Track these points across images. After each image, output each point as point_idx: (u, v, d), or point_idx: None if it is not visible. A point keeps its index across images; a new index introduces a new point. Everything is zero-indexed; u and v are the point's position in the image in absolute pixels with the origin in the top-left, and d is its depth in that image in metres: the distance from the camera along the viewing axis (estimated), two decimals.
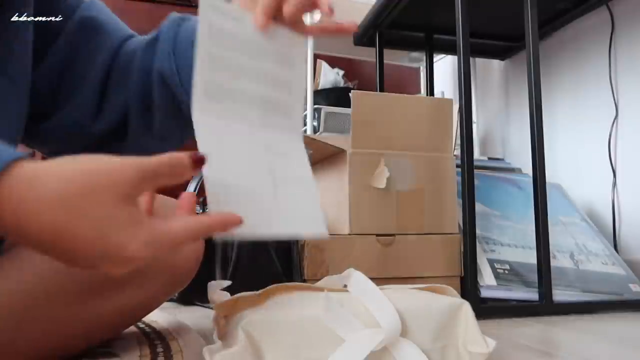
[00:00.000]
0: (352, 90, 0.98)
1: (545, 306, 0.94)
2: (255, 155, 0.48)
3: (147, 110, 0.60)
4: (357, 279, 0.53)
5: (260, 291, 0.53)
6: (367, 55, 1.84)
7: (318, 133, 1.61)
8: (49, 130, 0.59)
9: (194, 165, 0.38)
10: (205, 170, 0.41)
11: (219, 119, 0.47)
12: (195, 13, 0.49)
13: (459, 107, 0.98)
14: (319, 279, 0.64)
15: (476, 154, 1.74)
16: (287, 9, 0.51)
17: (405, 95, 1.04)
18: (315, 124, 1.63)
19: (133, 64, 0.60)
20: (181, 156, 0.37)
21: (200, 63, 0.47)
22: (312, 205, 0.50)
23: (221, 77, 0.48)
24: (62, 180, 0.33)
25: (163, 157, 0.37)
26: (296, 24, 0.54)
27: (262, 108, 0.51)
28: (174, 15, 0.61)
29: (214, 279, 0.99)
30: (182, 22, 0.59)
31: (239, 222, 0.39)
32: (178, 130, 0.64)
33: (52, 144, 0.62)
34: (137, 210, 0.35)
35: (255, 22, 0.51)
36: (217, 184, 0.43)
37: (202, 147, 0.44)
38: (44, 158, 0.41)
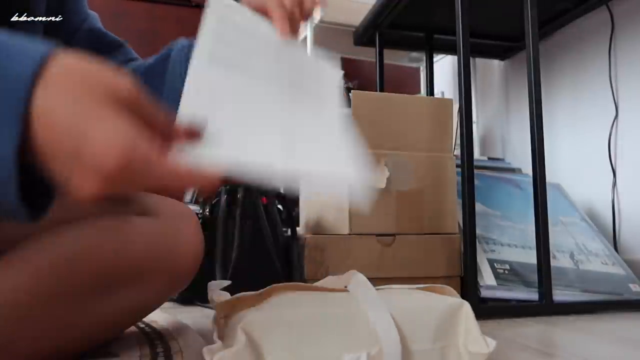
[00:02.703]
0: (352, 90, 0.98)
1: (545, 306, 0.94)
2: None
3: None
4: (358, 282, 0.52)
5: (260, 291, 0.53)
6: (367, 55, 1.84)
7: None
8: None
9: (186, 133, 0.33)
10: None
11: (225, 67, 0.40)
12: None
13: (459, 107, 0.98)
14: (319, 279, 0.64)
15: (476, 154, 1.74)
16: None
17: (405, 95, 1.04)
18: None
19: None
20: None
21: (204, 37, 0.40)
22: (346, 149, 0.40)
23: (229, 52, 0.41)
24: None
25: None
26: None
27: (286, 83, 0.44)
28: (183, 40, 0.61)
29: (214, 279, 0.99)
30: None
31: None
32: None
33: None
34: (122, 113, 0.31)
35: (280, 29, 0.46)
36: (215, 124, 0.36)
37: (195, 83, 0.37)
38: None
